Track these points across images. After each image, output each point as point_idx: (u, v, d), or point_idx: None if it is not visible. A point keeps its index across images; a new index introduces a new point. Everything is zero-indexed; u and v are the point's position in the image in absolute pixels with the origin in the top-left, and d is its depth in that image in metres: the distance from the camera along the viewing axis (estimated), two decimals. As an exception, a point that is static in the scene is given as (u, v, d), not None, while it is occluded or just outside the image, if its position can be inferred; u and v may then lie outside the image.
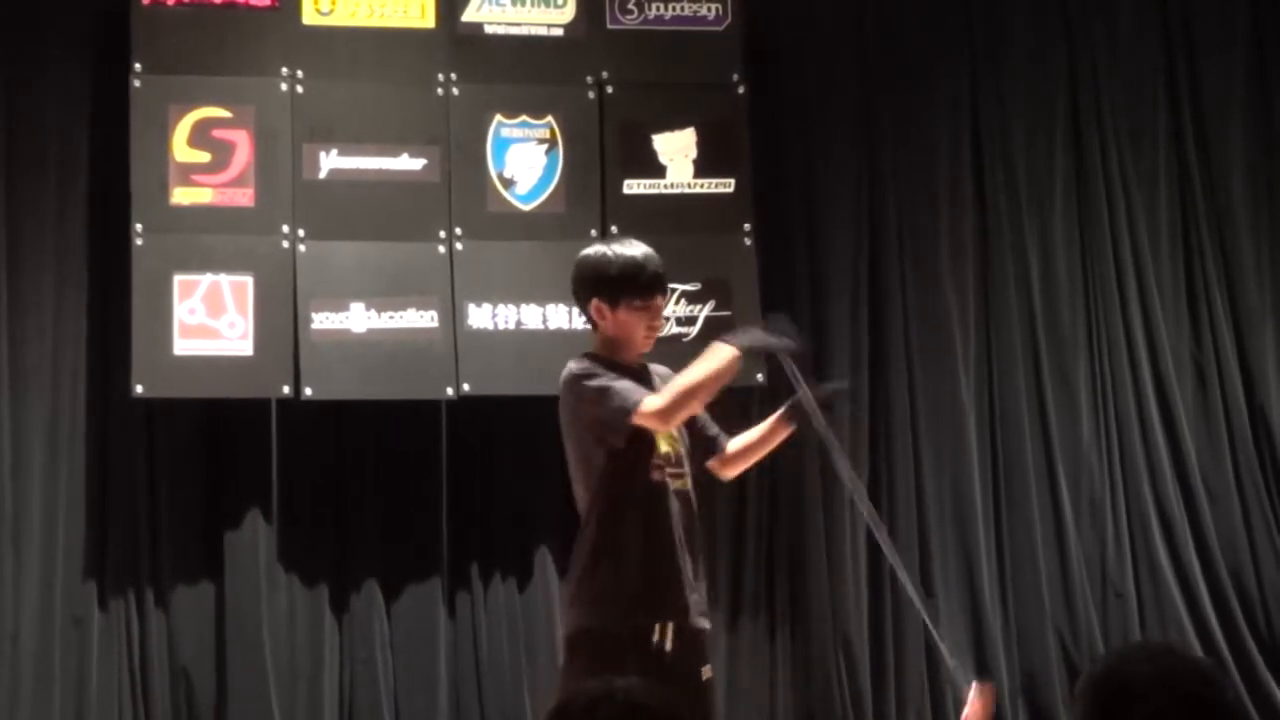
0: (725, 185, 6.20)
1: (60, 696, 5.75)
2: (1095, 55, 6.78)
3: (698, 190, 6.19)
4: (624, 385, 4.10)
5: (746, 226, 6.21)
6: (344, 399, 5.88)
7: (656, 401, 4.07)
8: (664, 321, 4.35)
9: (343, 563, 6.02)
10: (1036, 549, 6.48)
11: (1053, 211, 6.71)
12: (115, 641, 5.81)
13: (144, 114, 5.81)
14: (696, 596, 4.19)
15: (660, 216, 6.10)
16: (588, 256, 4.28)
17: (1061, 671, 6.41)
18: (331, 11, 6.02)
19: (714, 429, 4.40)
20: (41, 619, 5.76)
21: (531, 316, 5.96)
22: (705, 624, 4.23)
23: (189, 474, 5.95)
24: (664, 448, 4.20)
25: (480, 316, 5.94)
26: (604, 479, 4.12)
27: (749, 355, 4.22)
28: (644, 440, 4.13)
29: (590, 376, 4.13)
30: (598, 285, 4.22)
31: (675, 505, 4.18)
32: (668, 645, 4.08)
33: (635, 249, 4.25)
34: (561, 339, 5.92)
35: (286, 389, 5.77)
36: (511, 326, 5.95)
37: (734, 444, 4.41)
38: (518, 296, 5.95)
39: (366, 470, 6.05)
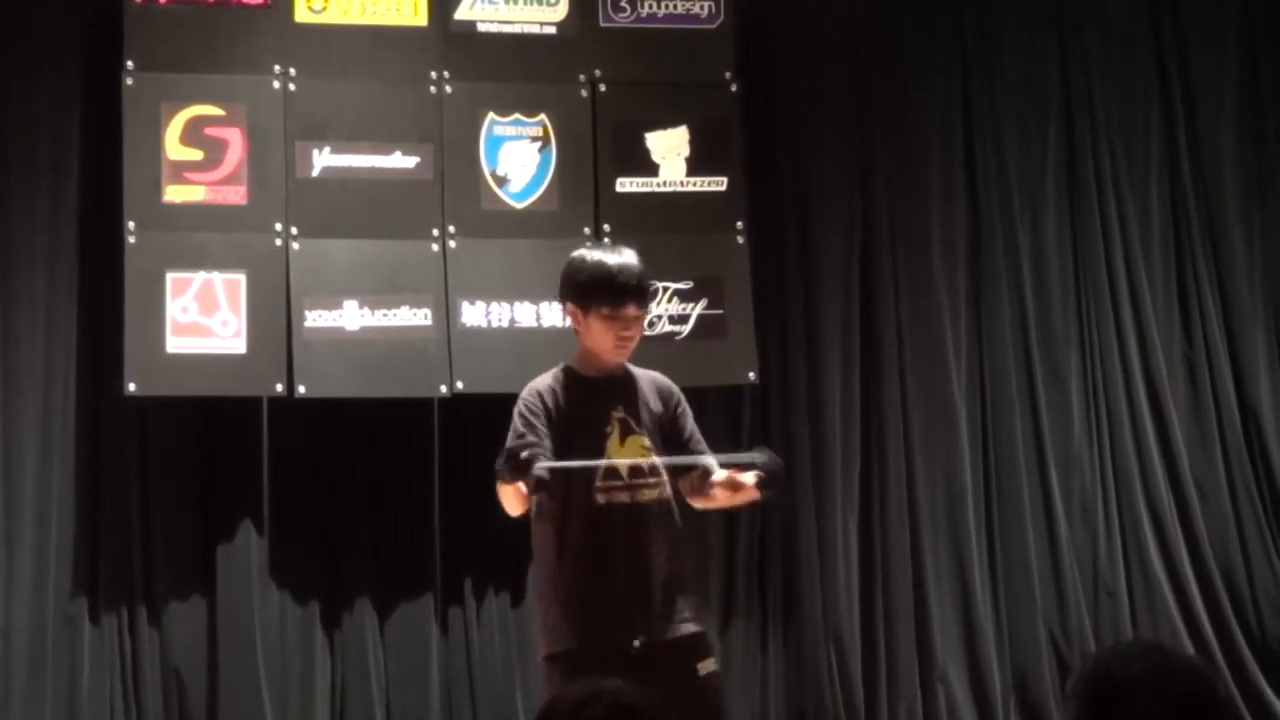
0: (718, 183, 6.20)
1: (52, 696, 5.74)
2: (1087, 54, 6.79)
3: (690, 188, 6.19)
4: (521, 444, 4.09)
5: (739, 224, 6.20)
6: (337, 397, 5.88)
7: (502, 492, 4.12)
8: (637, 332, 4.29)
9: (335, 563, 6.01)
10: (1028, 547, 6.49)
11: (1044, 210, 6.72)
12: (107, 641, 5.80)
13: (136, 112, 5.80)
14: (670, 607, 4.19)
15: (653, 215, 6.11)
16: (570, 259, 4.31)
17: (1053, 669, 6.42)
18: (324, 9, 6.01)
19: (699, 448, 4.36)
20: (33, 618, 5.74)
21: (525, 314, 5.96)
22: (685, 630, 4.22)
23: (182, 473, 5.94)
24: (623, 464, 4.19)
25: (474, 314, 5.93)
26: (541, 507, 4.17)
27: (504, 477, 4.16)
28: (584, 472, 4.14)
29: (520, 415, 4.19)
30: (569, 289, 4.26)
31: (631, 520, 4.17)
32: (643, 654, 4.09)
33: (614, 256, 4.25)
34: (555, 337, 5.91)
35: (280, 387, 5.76)
36: (505, 324, 5.96)
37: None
38: (511, 294, 5.95)
39: (360, 471, 6.04)
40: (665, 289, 6.03)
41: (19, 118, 5.91)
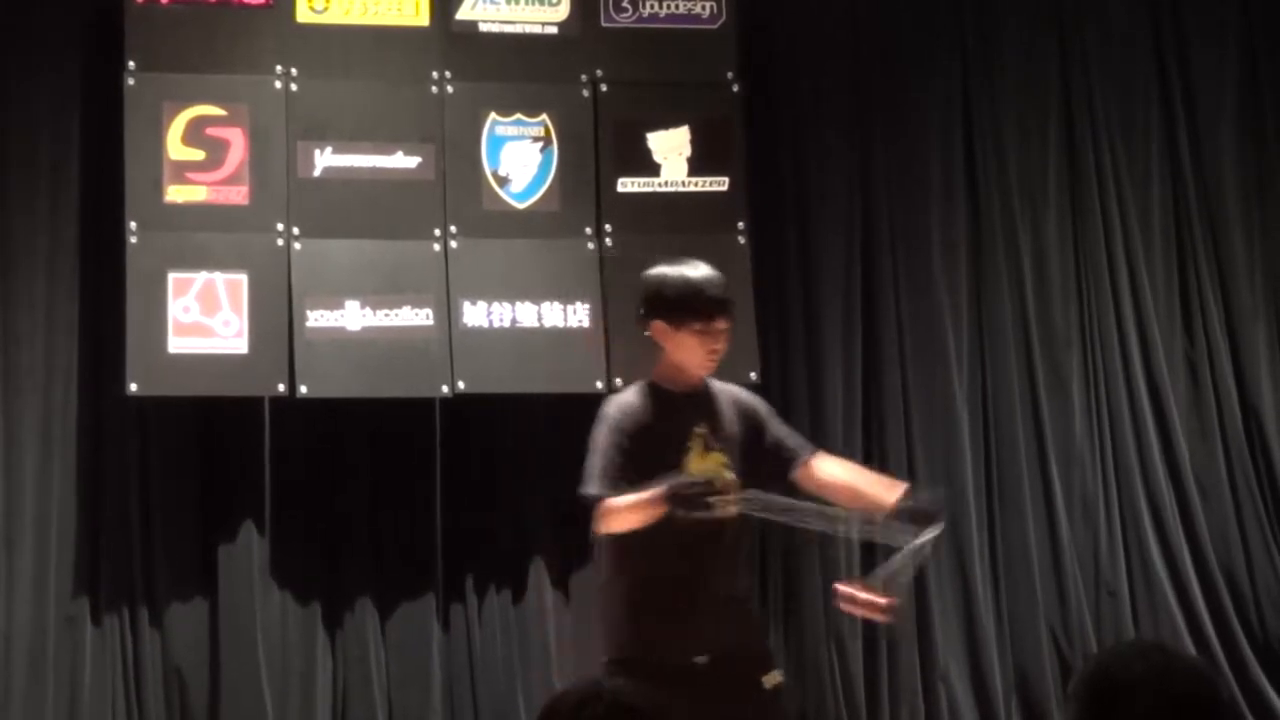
0: (719, 184, 6.20)
1: (53, 696, 5.74)
2: (1087, 54, 6.79)
3: (692, 189, 6.19)
4: (605, 466, 4.08)
5: (740, 225, 6.20)
6: (339, 397, 5.88)
7: (602, 517, 4.06)
8: (725, 345, 4.26)
9: (336, 563, 6.01)
10: (1030, 547, 6.49)
11: (1045, 210, 6.72)
12: (109, 641, 5.80)
13: (138, 112, 5.81)
14: (736, 622, 4.19)
15: (654, 215, 6.11)
16: (649, 277, 4.26)
17: (1054, 669, 6.42)
18: (325, 9, 6.01)
19: (791, 445, 4.34)
20: (35, 619, 5.75)
21: (526, 314, 5.96)
22: (750, 644, 4.23)
23: (183, 473, 5.94)
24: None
25: (475, 314, 5.93)
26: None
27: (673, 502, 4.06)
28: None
29: (603, 433, 4.14)
30: (658, 307, 4.21)
31: (709, 536, 4.12)
32: (708, 667, 4.08)
33: (695, 271, 4.23)
34: (556, 336, 5.93)
35: (281, 387, 5.76)
36: (506, 324, 5.96)
37: (827, 473, 4.34)
38: (512, 294, 5.95)
39: (361, 471, 6.05)
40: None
41: (19, 118, 5.91)
